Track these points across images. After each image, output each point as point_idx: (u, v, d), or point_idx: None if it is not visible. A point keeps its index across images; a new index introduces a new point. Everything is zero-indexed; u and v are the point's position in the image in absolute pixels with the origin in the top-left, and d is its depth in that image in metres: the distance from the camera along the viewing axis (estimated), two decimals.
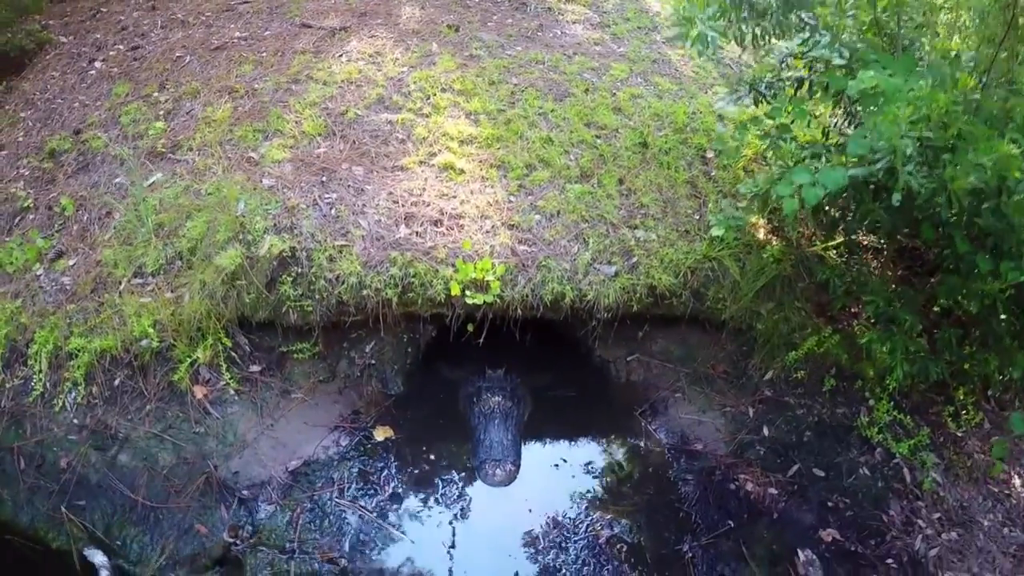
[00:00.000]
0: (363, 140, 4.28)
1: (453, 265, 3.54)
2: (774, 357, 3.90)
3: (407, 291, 3.54)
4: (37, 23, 5.71)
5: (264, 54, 5.11)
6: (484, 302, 3.53)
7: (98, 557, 2.84)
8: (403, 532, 3.18)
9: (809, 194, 2.84)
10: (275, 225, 3.67)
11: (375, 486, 3.36)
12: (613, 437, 3.72)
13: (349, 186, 3.93)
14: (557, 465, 3.57)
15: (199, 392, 3.45)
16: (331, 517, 3.19)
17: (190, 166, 4.26)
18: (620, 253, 3.82)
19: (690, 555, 3.14)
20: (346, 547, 3.09)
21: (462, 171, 4.06)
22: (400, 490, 3.35)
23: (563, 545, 3.15)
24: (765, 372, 3.92)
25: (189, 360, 3.48)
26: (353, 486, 3.33)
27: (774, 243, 4.08)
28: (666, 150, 4.41)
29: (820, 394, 3.79)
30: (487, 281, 3.53)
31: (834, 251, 4.20)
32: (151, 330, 3.48)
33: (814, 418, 3.68)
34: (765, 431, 3.68)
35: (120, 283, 3.75)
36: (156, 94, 4.88)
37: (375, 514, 3.21)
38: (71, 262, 4.01)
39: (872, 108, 2.77)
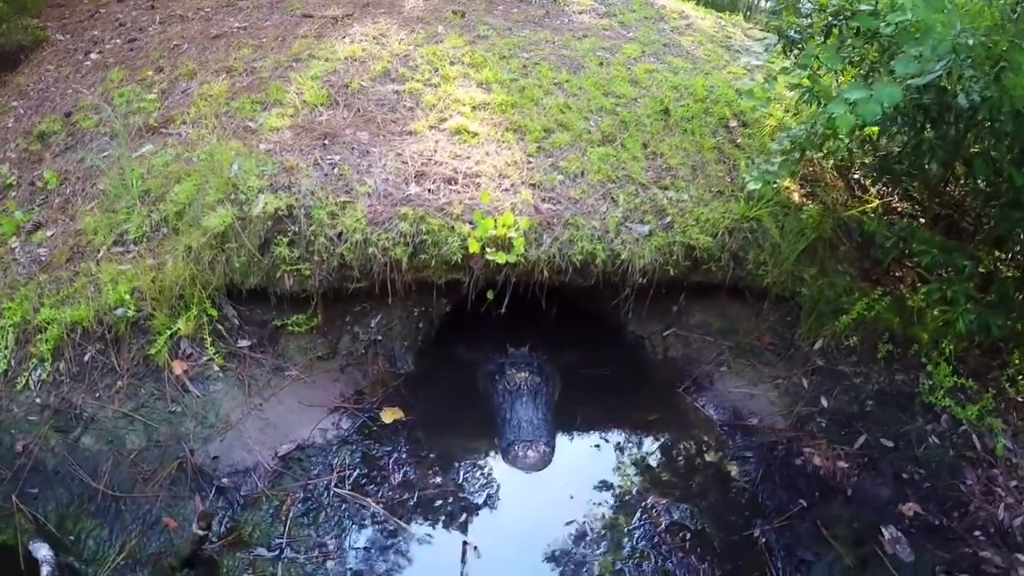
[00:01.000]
0: (368, 108, 3.95)
1: (470, 222, 3.14)
2: (822, 325, 3.50)
3: (419, 251, 3.11)
4: (34, 22, 5.49)
5: (264, 40, 4.87)
6: (507, 262, 3.11)
7: (42, 551, 2.27)
8: (416, 527, 2.64)
9: (866, 110, 2.54)
10: (271, 185, 3.28)
11: (382, 473, 2.83)
12: (657, 416, 3.21)
13: (353, 148, 3.57)
14: (598, 447, 3.07)
15: (178, 368, 2.95)
16: (328, 510, 2.65)
17: (183, 138, 3.90)
18: (653, 212, 3.44)
19: (763, 540, 2.62)
20: (346, 545, 2.54)
21: (476, 134, 3.71)
22: (412, 477, 2.81)
23: (614, 537, 2.61)
24: (814, 341, 3.50)
25: (169, 332, 3.01)
26: (356, 473, 2.80)
27: (811, 206, 3.75)
28: (688, 118, 4.11)
29: (875, 361, 3.39)
30: (509, 238, 3.11)
31: (872, 213, 3.89)
32: (127, 297, 3.02)
33: (873, 386, 3.26)
34: (824, 402, 3.22)
35: (99, 251, 3.32)
36: (151, 76, 4.59)
37: (382, 506, 2.67)
38: (49, 233, 3.59)
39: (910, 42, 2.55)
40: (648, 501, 2.76)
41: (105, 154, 3.97)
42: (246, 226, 3.16)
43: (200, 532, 2.28)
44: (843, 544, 2.59)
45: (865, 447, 2.99)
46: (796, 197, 3.81)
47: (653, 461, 2.98)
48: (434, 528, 2.65)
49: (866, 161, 4.29)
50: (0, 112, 4.82)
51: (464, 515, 2.69)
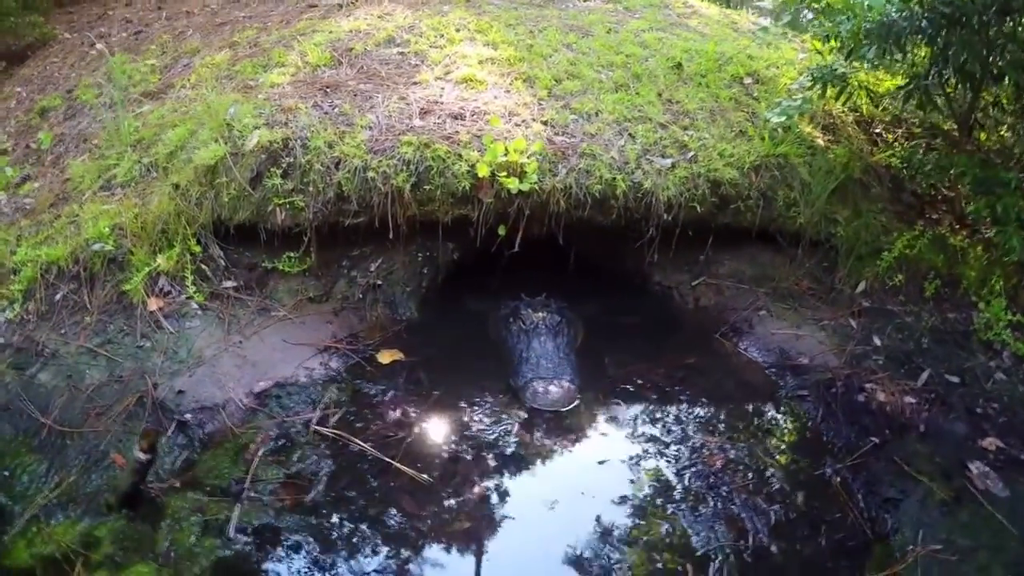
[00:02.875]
0: (372, 66, 3.75)
1: (479, 150, 2.86)
2: (863, 266, 3.18)
3: (423, 181, 2.82)
4: (41, 19, 5.49)
5: (269, 24, 4.79)
6: (519, 191, 2.80)
7: None
8: (414, 468, 2.15)
9: None
10: (267, 123, 3.03)
11: (375, 411, 2.40)
12: (695, 359, 2.81)
13: (356, 95, 3.34)
14: (630, 388, 2.62)
15: (153, 304, 2.61)
16: (304, 449, 2.22)
17: (182, 99, 3.71)
18: (674, 146, 3.16)
19: (837, 479, 2.18)
20: (320, 488, 2.08)
21: (483, 82, 3.49)
22: (413, 415, 2.38)
23: (660, 478, 2.18)
24: (856, 283, 3.15)
25: (148, 269, 2.68)
26: (343, 412, 2.37)
27: (837, 148, 3.49)
28: (702, 73, 3.90)
29: (923, 300, 3.07)
30: (522, 165, 2.82)
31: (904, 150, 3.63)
32: (106, 231, 2.71)
33: (926, 325, 2.92)
34: (876, 340, 2.83)
35: (84, 195, 3.04)
36: (155, 55, 4.48)
37: (371, 443, 2.22)
38: (36, 185, 3.34)
39: None
40: (696, 440, 2.33)
41: (102, 117, 3.78)
42: (238, 160, 2.89)
43: (142, 457, 1.85)
44: (932, 480, 2.15)
45: (930, 383, 2.58)
46: (821, 142, 3.55)
47: (697, 403, 2.56)
48: (438, 468, 2.18)
49: (886, 118, 4.08)
50: (3, 98, 4.73)
51: (473, 454, 2.24)
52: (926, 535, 2.02)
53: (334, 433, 2.23)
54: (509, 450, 2.24)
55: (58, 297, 2.65)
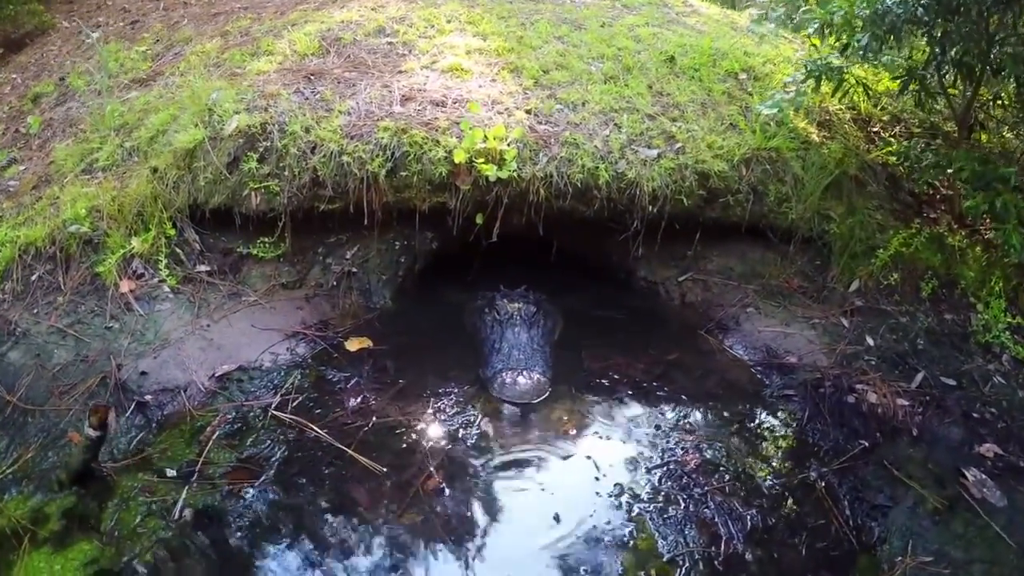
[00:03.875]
0: (360, 56, 3.68)
1: (458, 136, 2.77)
2: (856, 265, 3.04)
3: (399, 167, 2.73)
4: (41, 8, 5.48)
5: (263, 14, 4.73)
6: (498, 178, 2.71)
7: None
8: (369, 457, 2.04)
9: None
10: (247, 108, 2.96)
11: (336, 399, 2.29)
12: (678, 355, 2.68)
13: (339, 82, 3.26)
14: (605, 383, 2.50)
15: (125, 286, 2.53)
16: (260, 434, 2.12)
17: (169, 85, 3.66)
18: (661, 137, 3.05)
19: (822, 484, 2.06)
20: (271, 473, 1.98)
21: (468, 71, 3.41)
22: (373, 403, 2.27)
23: (628, 476, 2.06)
24: (850, 282, 3.03)
25: (123, 251, 2.61)
26: (303, 398, 2.28)
27: (832, 143, 3.37)
28: (695, 67, 3.79)
29: (919, 300, 2.93)
30: (501, 152, 2.73)
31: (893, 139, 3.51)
32: (83, 213, 2.65)
33: (921, 325, 2.78)
34: (869, 340, 2.70)
35: (66, 177, 2.98)
36: (148, 43, 4.44)
37: (328, 431, 2.12)
38: (22, 168, 3.29)
39: None
40: (671, 439, 2.20)
41: (91, 103, 3.73)
42: (216, 144, 2.82)
43: (92, 433, 1.78)
44: (924, 486, 2.01)
45: (925, 385, 2.45)
46: (815, 137, 3.42)
47: (675, 400, 2.43)
48: (389, 458, 2.06)
49: (884, 118, 3.95)
50: None
51: (431, 445, 2.12)
52: (916, 545, 1.89)
53: (291, 419, 2.14)
54: (470, 442, 2.12)
55: (34, 278, 2.59)
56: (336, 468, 1.99)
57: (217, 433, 2.07)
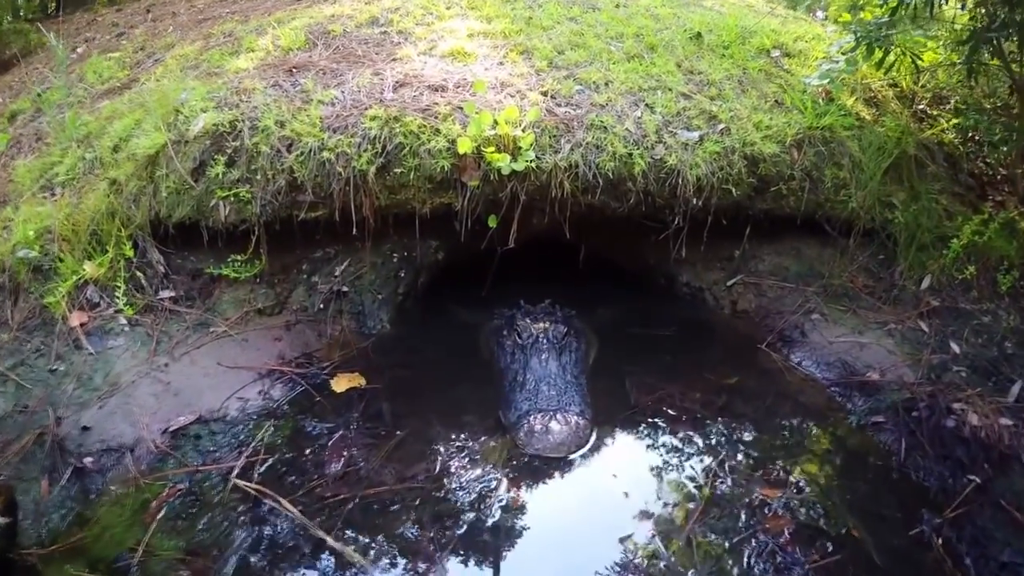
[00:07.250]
0: (350, 47, 3.13)
1: (462, 123, 2.20)
2: (926, 258, 2.43)
3: (392, 163, 2.16)
4: (29, 27, 5.04)
5: (251, 17, 4.23)
6: (512, 171, 2.13)
7: None
8: (354, 545, 1.47)
9: None
10: (217, 106, 2.42)
11: (316, 459, 1.72)
12: (740, 379, 2.08)
13: (324, 73, 2.72)
14: (657, 423, 1.88)
15: (76, 319, 1.99)
16: (215, 512, 1.56)
17: (142, 92, 3.14)
18: (701, 117, 2.47)
19: (939, 540, 1.47)
20: (227, 571, 1.43)
21: (472, 54, 2.84)
22: (362, 465, 1.69)
23: (712, 555, 1.47)
24: (920, 278, 2.42)
25: (76, 278, 2.07)
26: (274, 459, 1.71)
27: (888, 121, 2.76)
28: (724, 44, 3.21)
29: (998, 296, 2.37)
30: (515, 139, 2.15)
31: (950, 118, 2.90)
32: (31, 236, 2.12)
33: (1006, 325, 2.17)
34: (955, 347, 2.11)
35: (23, 196, 2.47)
36: (130, 52, 3.96)
37: (302, 508, 1.56)
38: None
39: None
40: (754, 497, 1.61)
41: (61, 116, 3.23)
42: (180, 149, 2.28)
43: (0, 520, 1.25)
44: None
45: (1022, 398, 1.84)
46: (867, 116, 2.82)
47: (747, 437, 1.83)
48: (382, 546, 1.49)
49: (926, 95, 3.33)
50: None
51: (439, 526, 1.53)
52: None
53: (256, 490, 1.57)
54: (490, 520, 1.53)
55: None
56: (312, 560, 1.41)
57: (163, 511, 1.51)
